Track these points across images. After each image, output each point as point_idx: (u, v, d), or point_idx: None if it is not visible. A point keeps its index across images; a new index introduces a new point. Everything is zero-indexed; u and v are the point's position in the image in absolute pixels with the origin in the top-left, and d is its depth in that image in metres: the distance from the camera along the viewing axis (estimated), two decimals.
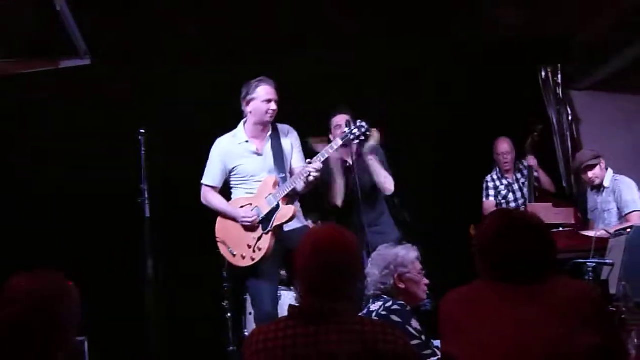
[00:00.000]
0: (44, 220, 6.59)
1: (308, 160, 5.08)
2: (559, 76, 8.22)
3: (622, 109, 8.29)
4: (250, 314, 6.28)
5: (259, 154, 5.20)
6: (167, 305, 5.59)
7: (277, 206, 5.07)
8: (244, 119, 5.24)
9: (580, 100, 8.41)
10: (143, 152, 5.20)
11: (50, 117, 6.67)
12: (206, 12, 6.17)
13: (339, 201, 5.61)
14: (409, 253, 3.85)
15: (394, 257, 3.81)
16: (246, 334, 6.12)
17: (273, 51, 6.86)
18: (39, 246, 6.31)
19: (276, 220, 5.06)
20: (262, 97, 5.11)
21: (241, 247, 5.12)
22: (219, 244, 5.23)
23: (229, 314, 6.35)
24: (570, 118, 8.29)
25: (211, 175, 5.26)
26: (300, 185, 5.11)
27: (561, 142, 8.27)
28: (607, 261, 4.92)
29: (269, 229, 5.06)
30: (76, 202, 6.72)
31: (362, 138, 5.12)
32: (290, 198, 5.13)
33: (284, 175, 5.14)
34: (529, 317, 2.42)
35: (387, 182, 5.64)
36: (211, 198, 5.25)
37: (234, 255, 5.15)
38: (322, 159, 5.03)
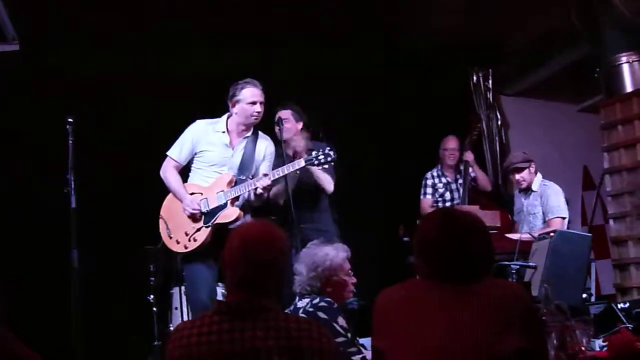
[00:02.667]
0: None
1: (265, 172, 5.11)
2: (490, 81, 8.37)
3: (549, 116, 8.49)
4: (176, 308, 6.24)
5: (230, 148, 5.19)
6: (92, 297, 5.51)
7: (225, 205, 5.07)
8: (229, 114, 5.23)
9: (509, 106, 8.58)
10: (71, 142, 5.10)
11: None
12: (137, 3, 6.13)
13: (280, 201, 5.64)
14: (338, 254, 3.82)
15: (322, 259, 3.78)
16: (171, 328, 6.07)
17: (208, 43, 6.85)
18: None
19: (219, 218, 5.06)
20: (247, 99, 5.13)
21: (179, 232, 5.12)
22: (160, 221, 5.22)
23: (154, 308, 6.30)
24: (499, 123, 8.46)
25: (178, 151, 5.23)
26: (252, 196, 5.13)
27: (490, 146, 8.43)
28: (530, 264, 5.01)
29: (209, 224, 5.06)
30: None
31: (326, 166, 5.15)
32: (239, 201, 5.13)
33: (244, 178, 5.14)
34: (462, 316, 2.43)
35: (325, 183, 5.76)
36: (169, 174, 5.22)
37: (170, 237, 5.16)
38: (275, 177, 5.06)
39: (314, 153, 5.10)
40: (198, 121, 5.28)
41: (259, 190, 5.02)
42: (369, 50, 7.41)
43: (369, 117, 7.64)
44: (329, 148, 5.07)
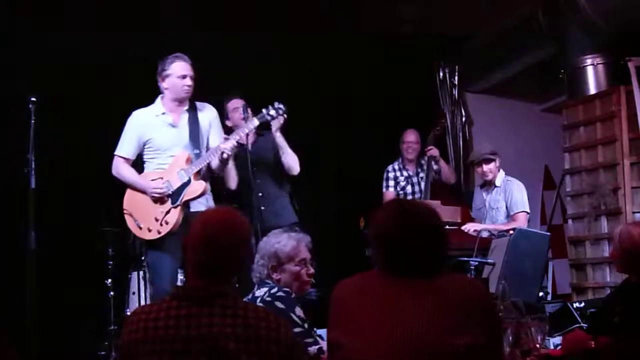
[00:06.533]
0: None
1: (225, 136, 5.11)
2: (456, 77, 8.41)
3: (512, 115, 8.56)
4: (133, 293, 6.20)
5: (174, 126, 5.16)
6: (48, 280, 5.45)
7: (189, 181, 5.05)
8: (161, 95, 5.21)
9: (474, 103, 8.63)
10: (33, 121, 5.04)
11: None
12: None
13: (232, 184, 5.63)
14: (288, 243, 3.77)
15: (270, 247, 3.76)
16: (128, 313, 6.03)
17: (175, 25, 6.81)
18: None
19: (186, 195, 5.05)
20: (177, 73, 5.11)
21: (148, 220, 5.09)
22: (126, 216, 5.18)
23: (111, 292, 6.25)
24: (463, 119, 8.50)
25: (124, 147, 5.19)
26: (215, 163, 5.14)
27: (453, 142, 8.47)
28: (489, 260, 5.06)
29: (177, 203, 5.04)
30: None
31: (280, 120, 5.26)
32: (202, 175, 5.12)
33: (198, 151, 5.13)
34: (417, 311, 2.42)
35: (293, 161, 5.74)
36: (122, 170, 5.18)
37: (140, 228, 5.12)
38: (237, 138, 5.10)
39: (264, 110, 5.20)
40: (135, 112, 5.25)
41: (226, 154, 5.03)
42: (333, 41, 7.41)
43: (331, 108, 7.63)
44: (277, 102, 5.17)
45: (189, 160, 5.10)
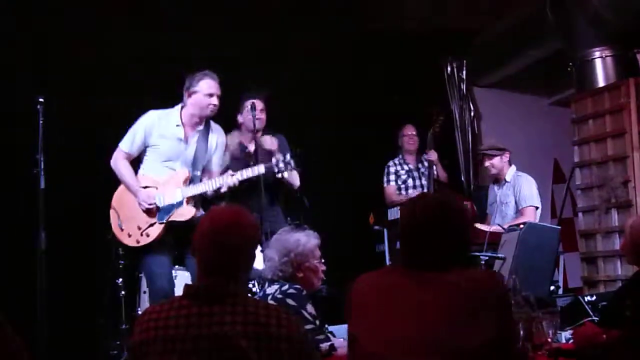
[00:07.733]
0: None
1: (231, 172, 5.11)
2: (464, 72, 8.40)
3: (521, 108, 8.55)
4: (144, 292, 6.20)
5: (183, 142, 5.13)
6: (59, 280, 5.46)
7: (180, 203, 5.03)
8: (183, 104, 5.17)
9: (482, 97, 8.62)
10: (41, 122, 5.04)
11: None
12: None
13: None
14: (309, 241, 3.83)
15: (294, 244, 3.79)
16: (139, 312, 6.04)
17: (181, 24, 6.81)
18: None
19: (173, 216, 5.03)
20: (204, 91, 5.08)
21: (131, 226, 5.08)
22: (111, 211, 5.17)
23: (122, 292, 6.26)
24: (472, 114, 8.49)
25: (129, 142, 5.15)
26: (210, 193, 5.13)
27: (462, 136, 8.47)
28: (499, 255, 5.05)
29: (163, 220, 5.02)
30: None
31: (285, 175, 5.20)
32: (194, 202, 5.11)
33: (198, 173, 5.13)
34: (434, 304, 2.42)
35: (292, 180, 5.72)
36: (121, 165, 5.15)
37: (122, 230, 5.11)
38: (240, 179, 5.07)
39: (273, 160, 5.14)
40: (150, 112, 5.20)
41: (223, 190, 5.04)
42: (339, 36, 7.41)
43: (338, 104, 7.63)
44: (290, 155, 5.13)
45: (187, 181, 5.08)
